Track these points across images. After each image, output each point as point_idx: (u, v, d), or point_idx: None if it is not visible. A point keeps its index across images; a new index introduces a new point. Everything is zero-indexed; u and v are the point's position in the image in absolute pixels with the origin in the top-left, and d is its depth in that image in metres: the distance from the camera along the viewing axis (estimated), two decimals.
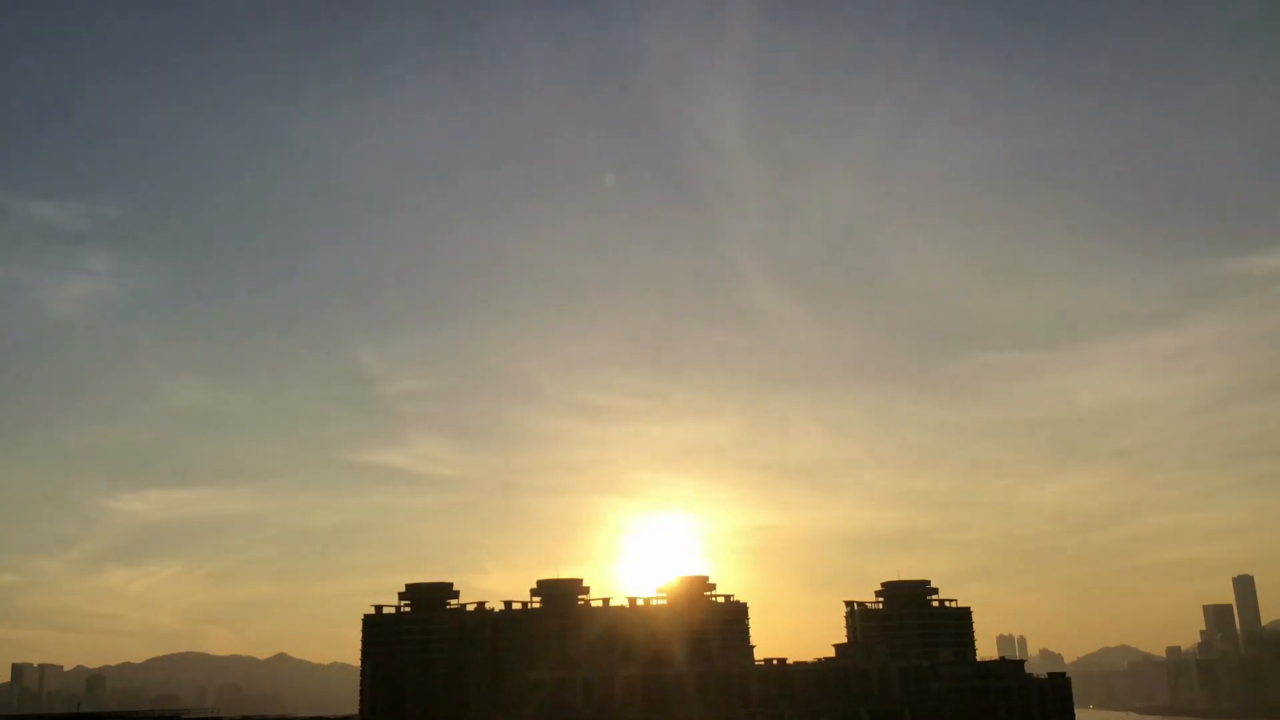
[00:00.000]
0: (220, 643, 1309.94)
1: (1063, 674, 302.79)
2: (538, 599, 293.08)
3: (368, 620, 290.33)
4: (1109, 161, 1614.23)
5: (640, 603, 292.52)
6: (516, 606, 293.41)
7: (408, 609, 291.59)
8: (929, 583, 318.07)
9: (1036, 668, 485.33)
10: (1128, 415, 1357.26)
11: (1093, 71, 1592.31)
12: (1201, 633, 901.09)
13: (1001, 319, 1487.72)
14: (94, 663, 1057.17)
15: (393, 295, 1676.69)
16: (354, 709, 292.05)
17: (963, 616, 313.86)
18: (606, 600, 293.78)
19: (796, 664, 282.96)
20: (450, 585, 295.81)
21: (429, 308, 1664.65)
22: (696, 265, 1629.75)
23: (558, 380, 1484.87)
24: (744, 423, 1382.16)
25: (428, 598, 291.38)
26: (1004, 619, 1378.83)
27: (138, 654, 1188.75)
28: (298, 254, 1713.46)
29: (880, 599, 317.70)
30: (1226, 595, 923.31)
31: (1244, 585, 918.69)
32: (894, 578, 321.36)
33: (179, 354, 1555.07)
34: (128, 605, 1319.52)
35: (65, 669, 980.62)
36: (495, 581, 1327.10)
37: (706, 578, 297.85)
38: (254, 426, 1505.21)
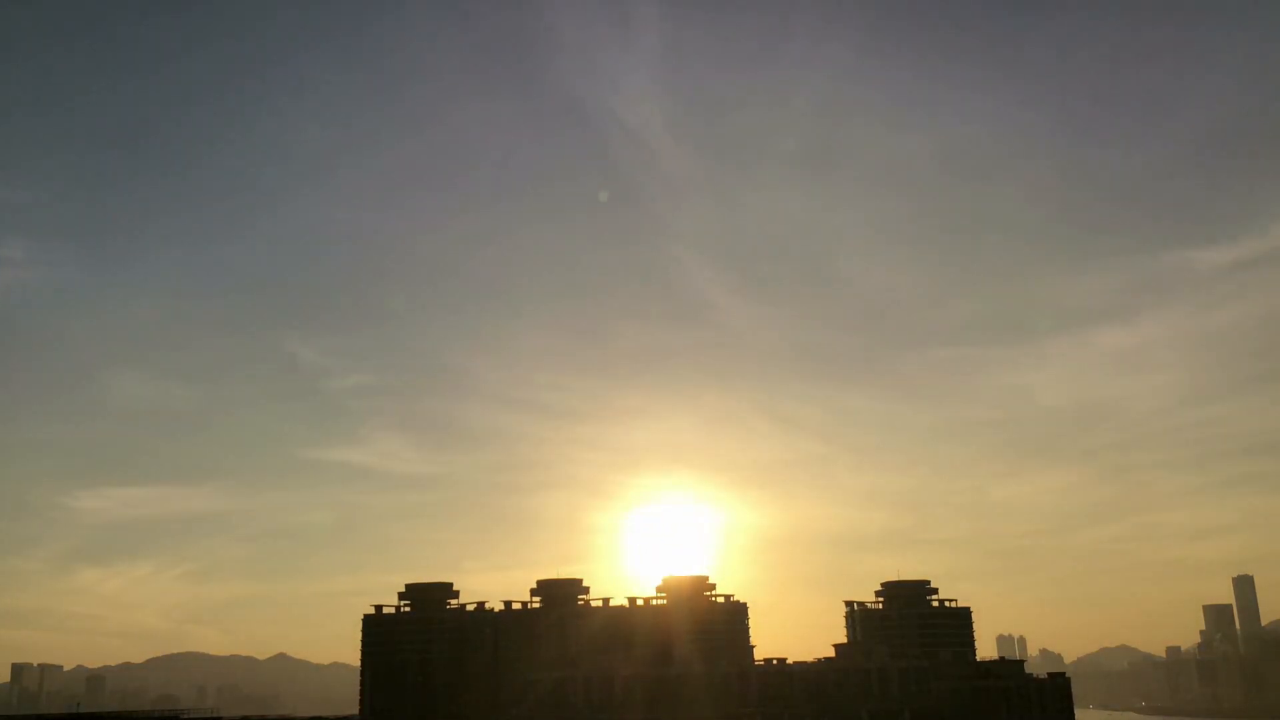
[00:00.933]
0: (211, 643, 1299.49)
1: (1062, 674, 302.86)
2: (537, 599, 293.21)
3: (368, 620, 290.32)
4: (1044, 157, 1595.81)
5: (640, 602, 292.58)
6: (516, 606, 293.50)
7: (407, 609, 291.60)
8: (929, 583, 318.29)
9: (1036, 668, 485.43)
10: (1090, 414, 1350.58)
11: (1024, 64, 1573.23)
12: (1201, 633, 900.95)
13: (950, 314, 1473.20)
14: (93, 663, 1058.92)
15: (319, 288, 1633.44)
16: (354, 709, 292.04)
17: (963, 616, 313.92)
18: (606, 600, 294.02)
19: (796, 664, 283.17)
20: (450, 585, 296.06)
21: (356, 302, 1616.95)
22: (638, 259, 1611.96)
23: (504, 378, 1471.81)
24: (700, 421, 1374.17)
25: (427, 598, 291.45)
26: (1003, 619, 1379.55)
27: (137, 654, 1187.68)
28: (219, 243, 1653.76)
29: (880, 599, 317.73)
30: (1226, 595, 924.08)
31: (1243, 585, 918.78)
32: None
33: (111, 347, 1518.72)
34: (106, 605, 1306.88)
35: (65, 669, 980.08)
36: (479, 581, 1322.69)
37: (706, 577, 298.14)
38: (201, 422, 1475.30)
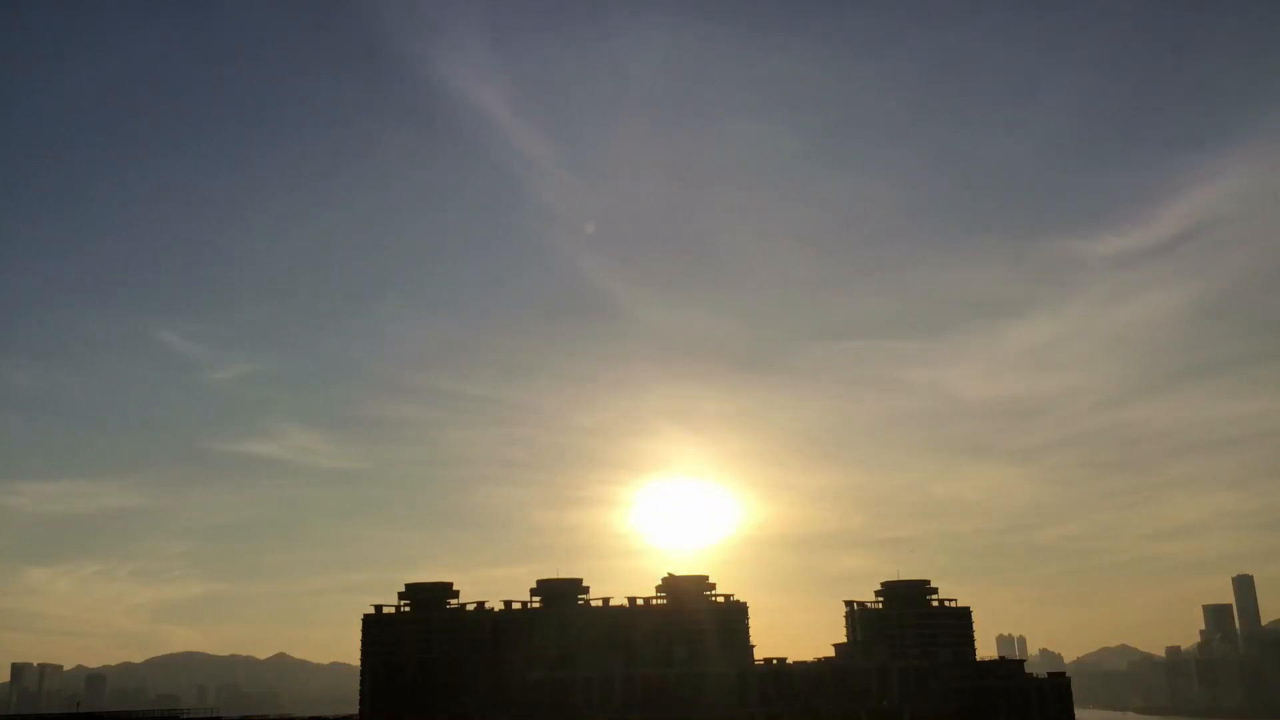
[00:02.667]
0: (208, 643, 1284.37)
1: (1062, 674, 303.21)
2: (537, 599, 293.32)
3: (367, 620, 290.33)
4: (910, 143, 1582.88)
5: (640, 602, 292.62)
6: (516, 606, 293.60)
7: (407, 609, 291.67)
8: (928, 582, 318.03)
9: (1036, 668, 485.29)
10: (1017, 411, 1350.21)
11: (884, 42, 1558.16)
12: (1201, 633, 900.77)
13: (855, 308, 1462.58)
14: (93, 663, 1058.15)
15: (181, 276, 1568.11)
16: (354, 709, 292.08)
17: (962, 616, 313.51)
18: (606, 600, 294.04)
19: (796, 664, 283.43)
20: (450, 585, 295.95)
21: (221, 289, 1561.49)
22: (517, 247, 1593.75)
23: (391, 368, 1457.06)
24: (614, 416, 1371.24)
25: (427, 597, 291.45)
26: (1003, 619, 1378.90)
27: (137, 654, 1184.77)
28: (73, 225, 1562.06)
29: (880, 599, 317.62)
30: (1226, 595, 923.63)
31: (1243, 585, 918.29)
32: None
33: None
34: (66, 606, 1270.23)
35: (65, 669, 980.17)
36: (444, 577, 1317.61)
37: (706, 577, 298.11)
38: (92, 413, 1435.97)
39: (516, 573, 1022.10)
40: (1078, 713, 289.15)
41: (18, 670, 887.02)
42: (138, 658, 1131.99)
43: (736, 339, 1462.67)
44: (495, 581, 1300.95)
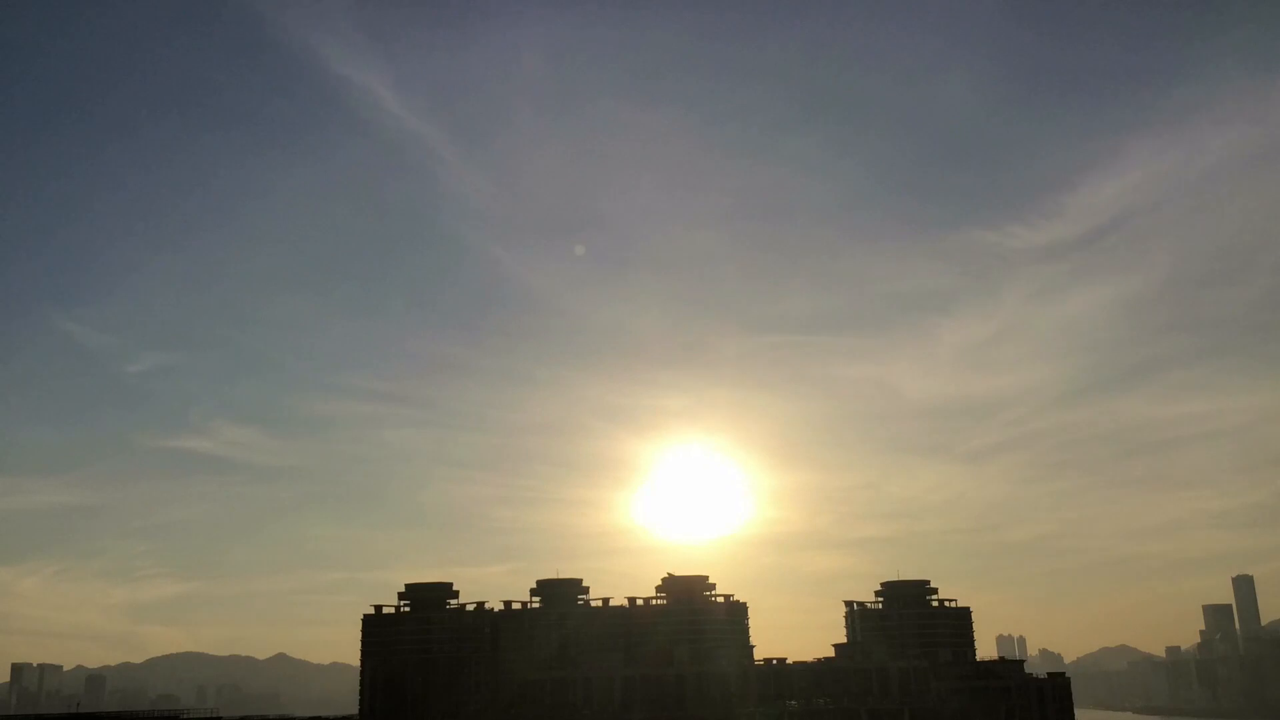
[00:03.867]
0: (207, 643, 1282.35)
1: (1062, 674, 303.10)
2: (537, 599, 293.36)
3: (367, 620, 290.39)
4: (810, 134, 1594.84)
5: (640, 602, 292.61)
6: (516, 606, 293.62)
7: (407, 609, 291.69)
8: (928, 583, 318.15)
9: (1036, 668, 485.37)
10: (964, 410, 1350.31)
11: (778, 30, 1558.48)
12: (1201, 633, 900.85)
13: (781, 301, 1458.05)
14: (93, 663, 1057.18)
15: (77, 259, 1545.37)
16: (354, 709, 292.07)
17: (962, 616, 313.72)
18: (606, 600, 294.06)
19: (796, 664, 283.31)
20: (450, 585, 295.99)
21: (119, 276, 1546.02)
22: (428, 242, 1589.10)
23: (312, 365, 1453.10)
24: (552, 415, 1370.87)
25: (427, 598, 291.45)
26: (1003, 619, 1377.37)
27: (137, 654, 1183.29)
28: None
29: (879, 599, 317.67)
30: (1226, 595, 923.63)
31: (1243, 585, 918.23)
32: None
33: None
34: (38, 606, 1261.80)
35: (65, 669, 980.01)
36: (407, 577, 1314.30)
37: (706, 577, 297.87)
38: (9, 406, 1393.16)
39: (489, 572, 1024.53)
40: (1078, 713, 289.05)
41: (17, 670, 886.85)
42: (118, 659, 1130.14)
43: (664, 332, 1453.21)
44: (471, 581, 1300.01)
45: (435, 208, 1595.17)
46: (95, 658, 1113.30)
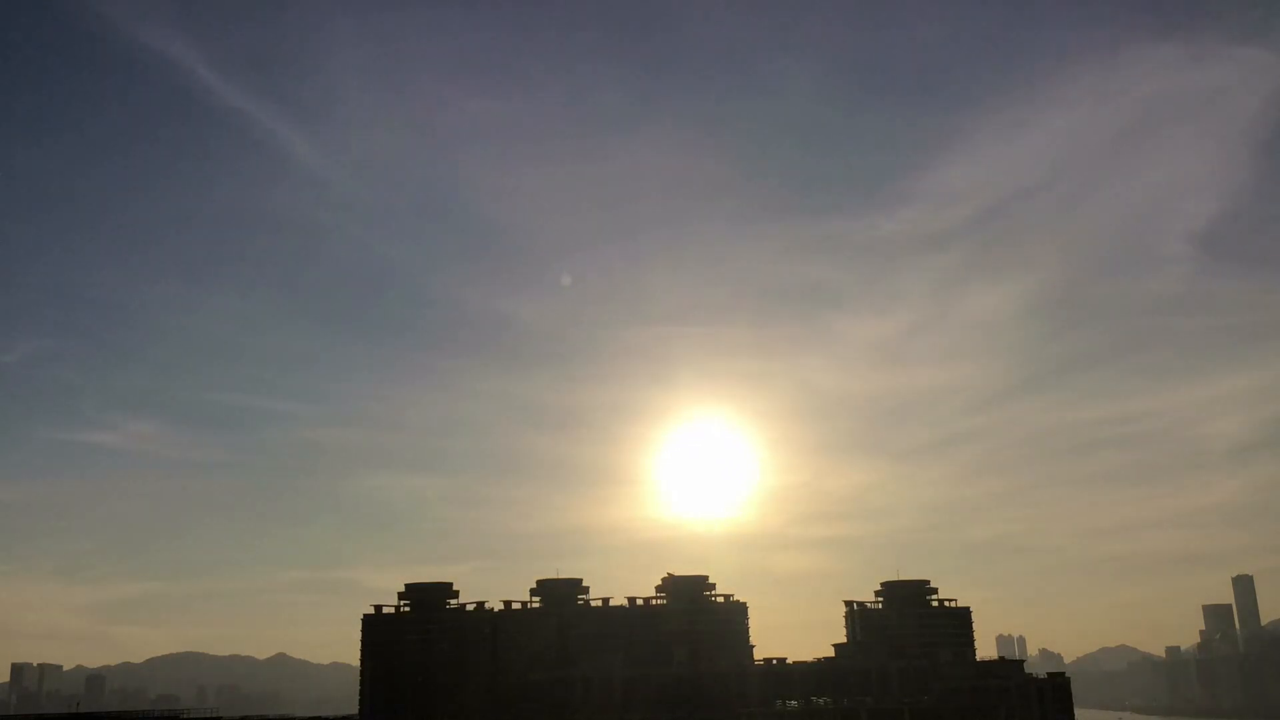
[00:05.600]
0: (207, 643, 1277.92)
1: (1062, 674, 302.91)
2: (537, 599, 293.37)
3: (367, 620, 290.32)
4: (686, 128, 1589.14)
5: (639, 602, 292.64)
6: (516, 606, 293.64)
7: (407, 609, 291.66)
8: (928, 582, 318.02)
9: (1036, 668, 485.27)
10: (889, 408, 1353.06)
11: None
12: (1201, 632, 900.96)
13: (669, 291, 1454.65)
14: (92, 663, 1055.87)
15: None
16: (354, 709, 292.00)
17: (962, 616, 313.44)
18: (606, 600, 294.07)
19: (796, 664, 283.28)
20: (450, 585, 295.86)
21: None
22: (293, 229, 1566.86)
23: (206, 360, 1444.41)
24: (458, 412, 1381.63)
25: (427, 598, 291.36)
26: (1003, 619, 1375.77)
27: (137, 654, 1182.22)
28: None
29: (879, 599, 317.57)
30: (1226, 595, 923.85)
31: (1243, 585, 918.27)
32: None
33: None
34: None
35: (65, 669, 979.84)
36: (385, 579, 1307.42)
37: (706, 577, 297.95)
38: None
39: (454, 570, 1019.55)
40: (1077, 713, 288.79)
41: (17, 670, 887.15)
42: (136, 658, 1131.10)
43: (551, 325, 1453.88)
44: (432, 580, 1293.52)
45: (280, 188, 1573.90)
46: (70, 659, 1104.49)
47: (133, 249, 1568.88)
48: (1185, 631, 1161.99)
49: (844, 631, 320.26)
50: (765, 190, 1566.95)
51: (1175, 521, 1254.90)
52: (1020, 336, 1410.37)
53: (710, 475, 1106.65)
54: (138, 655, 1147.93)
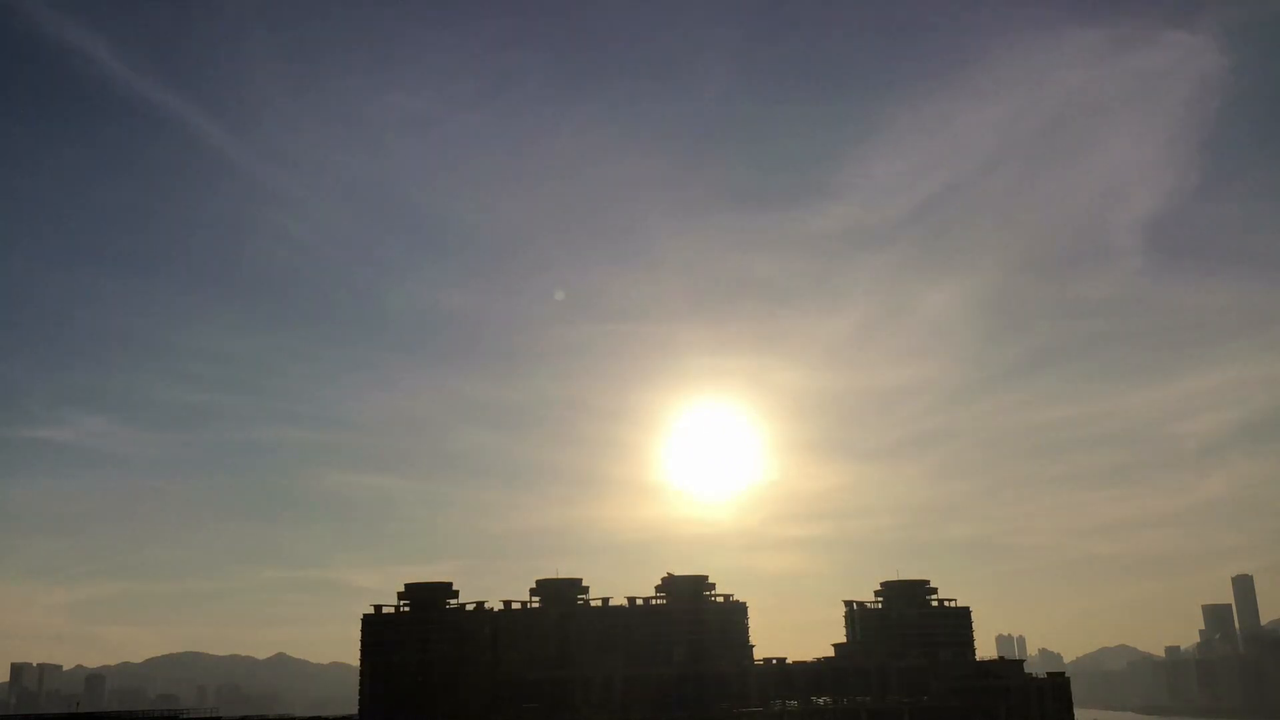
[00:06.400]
0: (208, 643, 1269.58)
1: (1062, 673, 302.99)
2: (537, 599, 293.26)
3: (367, 620, 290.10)
4: (613, 117, 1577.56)
5: (639, 602, 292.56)
6: (516, 606, 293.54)
7: (406, 609, 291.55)
8: (928, 582, 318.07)
9: (1035, 667, 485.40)
10: (855, 406, 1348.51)
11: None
12: (1201, 632, 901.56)
13: (610, 284, 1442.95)
14: (92, 663, 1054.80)
15: None
16: (353, 709, 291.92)
17: (962, 616, 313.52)
18: (606, 600, 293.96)
19: (796, 663, 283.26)
20: (450, 585, 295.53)
21: None
22: (212, 222, 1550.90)
23: (154, 357, 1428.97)
24: (398, 409, 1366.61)
25: (427, 598, 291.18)
26: (1003, 619, 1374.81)
27: (137, 654, 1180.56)
28: None
29: (879, 598, 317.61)
30: (1226, 595, 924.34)
31: (1243, 585, 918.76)
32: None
33: None
34: None
35: (64, 669, 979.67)
36: (364, 579, 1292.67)
37: (706, 577, 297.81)
38: None
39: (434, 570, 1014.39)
40: (1077, 713, 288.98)
41: (17, 670, 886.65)
42: (137, 657, 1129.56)
43: (489, 318, 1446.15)
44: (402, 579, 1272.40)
45: (210, 184, 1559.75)
46: (49, 658, 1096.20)
47: (72, 248, 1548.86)
48: (1185, 631, 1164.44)
49: (842, 631, 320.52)
50: (698, 185, 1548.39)
51: (1158, 522, 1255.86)
52: (972, 336, 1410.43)
53: (687, 475, 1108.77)
54: (134, 655, 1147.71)
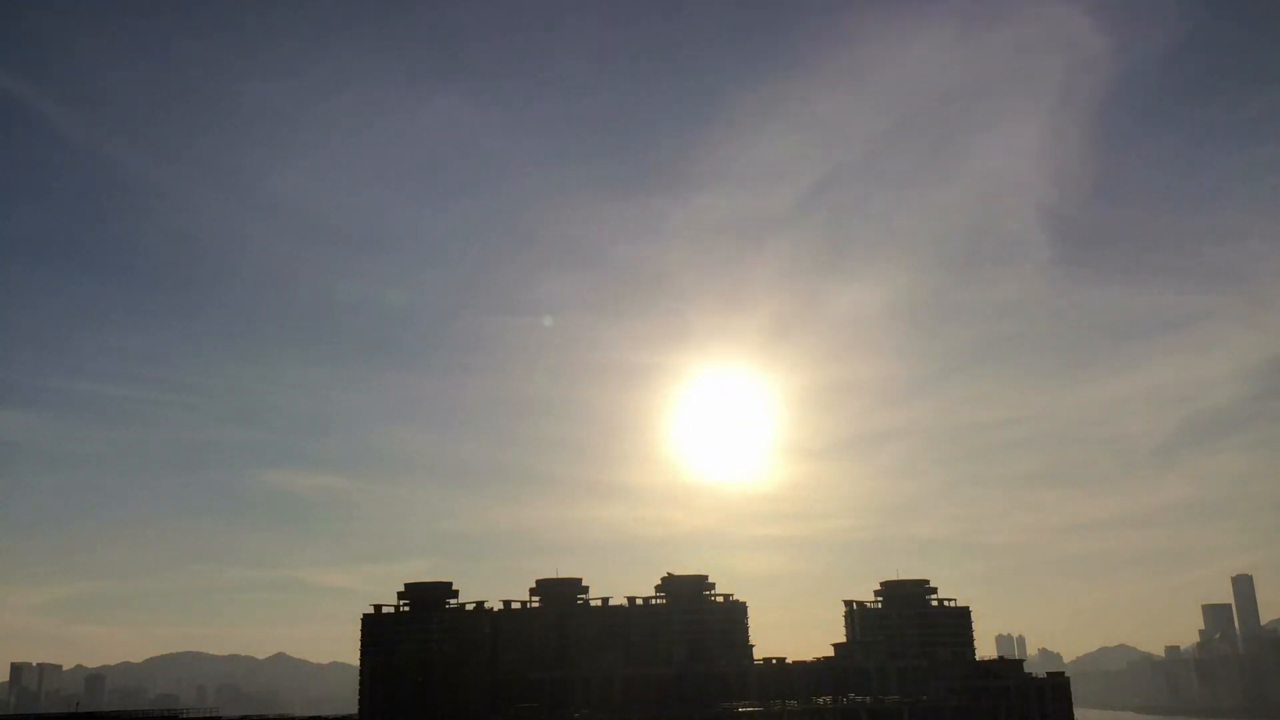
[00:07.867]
0: (208, 643, 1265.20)
1: (1062, 673, 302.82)
2: (536, 598, 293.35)
3: (366, 620, 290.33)
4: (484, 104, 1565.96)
5: (639, 602, 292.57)
6: (516, 606, 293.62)
7: (406, 609, 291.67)
8: (928, 582, 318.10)
9: (1035, 667, 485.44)
10: (783, 404, 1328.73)
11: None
12: (1200, 632, 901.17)
13: (523, 278, 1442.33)
14: (93, 662, 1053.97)
15: None
16: (353, 709, 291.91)
17: (962, 616, 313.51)
18: (605, 599, 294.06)
19: (796, 663, 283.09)
20: (449, 585, 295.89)
21: None
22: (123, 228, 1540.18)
23: (71, 351, 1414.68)
24: (304, 400, 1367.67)
25: (426, 597, 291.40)
26: (1003, 619, 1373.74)
27: (137, 654, 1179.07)
28: None
29: (879, 598, 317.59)
30: (1225, 595, 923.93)
31: (1243, 585, 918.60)
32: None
33: None
34: None
35: (64, 669, 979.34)
36: (341, 580, 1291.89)
37: (705, 577, 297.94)
38: None
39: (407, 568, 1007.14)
40: (1077, 713, 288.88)
41: (17, 670, 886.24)
42: (138, 657, 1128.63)
43: (416, 316, 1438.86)
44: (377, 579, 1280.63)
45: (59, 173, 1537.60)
46: (40, 658, 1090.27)
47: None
48: (1185, 631, 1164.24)
49: (842, 631, 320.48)
50: (579, 170, 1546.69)
51: (1123, 522, 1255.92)
52: (889, 336, 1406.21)
53: (656, 475, 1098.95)
54: (138, 655, 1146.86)
